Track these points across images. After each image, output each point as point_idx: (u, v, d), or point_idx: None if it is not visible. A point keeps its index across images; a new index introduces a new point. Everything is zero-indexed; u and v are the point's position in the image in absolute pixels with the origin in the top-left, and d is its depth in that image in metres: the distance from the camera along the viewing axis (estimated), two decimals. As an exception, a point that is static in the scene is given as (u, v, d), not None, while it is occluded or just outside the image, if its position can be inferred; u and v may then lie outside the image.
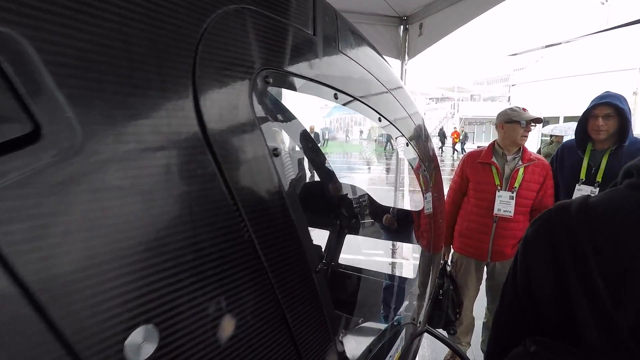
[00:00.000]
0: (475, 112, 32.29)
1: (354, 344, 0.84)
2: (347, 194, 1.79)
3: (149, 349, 0.34)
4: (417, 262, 1.37)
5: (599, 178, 1.91)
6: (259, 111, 0.49)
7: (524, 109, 2.06)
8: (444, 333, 2.11)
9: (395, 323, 1.09)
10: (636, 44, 10.35)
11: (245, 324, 0.45)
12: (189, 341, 0.38)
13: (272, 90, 0.55)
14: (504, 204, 2.00)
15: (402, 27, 3.25)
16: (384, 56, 1.08)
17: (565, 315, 0.45)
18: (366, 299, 1.59)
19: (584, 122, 1.93)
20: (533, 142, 11.96)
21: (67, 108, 0.29)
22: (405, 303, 1.31)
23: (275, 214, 0.50)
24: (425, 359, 2.48)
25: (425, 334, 1.45)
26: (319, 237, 1.86)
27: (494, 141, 2.16)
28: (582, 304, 0.43)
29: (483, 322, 2.35)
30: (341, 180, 1.81)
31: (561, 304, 0.45)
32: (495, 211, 2.01)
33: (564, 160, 2.08)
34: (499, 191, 2.01)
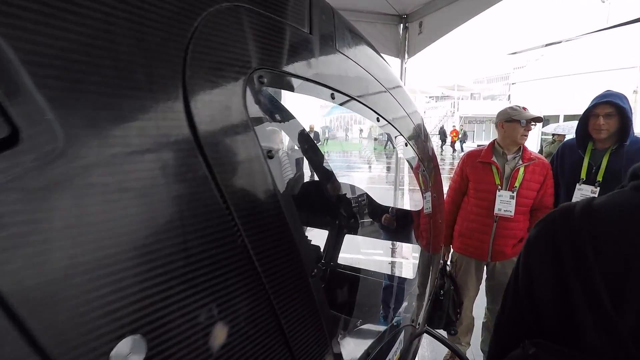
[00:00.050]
0: (475, 111, 32.27)
1: (352, 349, 0.83)
2: (345, 194, 1.78)
3: None
4: (417, 263, 1.36)
5: (599, 177, 1.89)
6: (253, 112, 0.47)
7: (524, 108, 2.04)
8: (444, 333, 2.10)
9: (394, 325, 1.07)
10: (636, 43, 10.32)
11: (238, 332, 0.44)
12: (179, 351, 0.37)
13: (267, 90, 0.53)
14: (505, 203, 1.99)
15: (401, 25, 3.23)
16: (383, 55, 1.06)
17: (566, 316, 0.45)
18: (364, 301, 1.58)
19: (585, 121, 1.92)
20: (533, 142, 11.94)
21: (48, 110, 0.28)
22: (404, 305, 1.30)
23: (269, 218, 0.49)
24: (425, 359, 2.47)
25: (425, 335, 1.44)
26: (318, 237, 1.86)
27: (494, 140, 2.15)
28: (582, 306, 0.43)
29: (483, 322, 2.34)
30: (340, 180, 1.80)
31: (562, 305, 0.45)
32: (496, 211, 2.00)
33: (565, 159, 2.07)
34: (499, 191, 2.00)
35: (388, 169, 12.19)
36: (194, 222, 0.39)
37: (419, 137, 1.19)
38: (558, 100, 12.13)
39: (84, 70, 0.31)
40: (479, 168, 2.08)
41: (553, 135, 7.43)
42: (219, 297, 0.41)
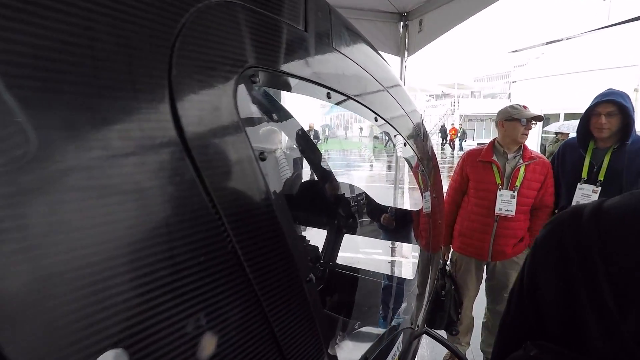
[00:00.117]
0: (476, 109, 32.24)
1: (349, 353, 0.81)
2: (344, 194, 1.76)
3: None
4: (416, 264, 1.34)
5: (600, 177, 1.88)
6: (244, 112, 0.46)
7: (524, 107, 2.02)
8: (443, 333, 2.09)
9: (393, 328, 1.06)
10: (637, 41, 10.28)
11: (228, 343, 0.42)
12: None
13: (260, 89, 0.52)
14: (506, 203, 1.97)
15: (401, 23, 3.21)
16: (383, 53, 1.05)
17: (569, 318, 0.44)
18: (362, 303, 1.56)
19: (586, 119, 1.90)
20: (533, 141, 11.91)
21: (18, 112, 0.26)
22: (403, 307, 1.28)
23: (261, 223, 0.47)
24: (425, 359, 2.46)
25: (425, 335, 1.43)
26: (316, 237, 1.85)
27: (494, 139, 2.13)
28: (586, 308, 0.42)
29: (483, 322, 2.32)
30: (339, 179, 1.78)
31: (565, 307, 0.44)
32: (497, 210, 1.98)
33: (566, 158, 2.05)
34: (500, 190, 1.99)
35: (388, 167, 12.18)
36: (181, 228, 0.37)
37: (418, 136, 1.18)
38: (559, 99, 12.10)
39: (59, 69, 0.29)
40: (480, 167, 2.06)
41: (556, 134, 7.39)
42: (207, 306, 0.40)
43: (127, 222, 0.33)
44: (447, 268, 2.19)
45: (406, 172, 4.30)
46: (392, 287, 1.72)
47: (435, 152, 1.57)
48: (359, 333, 1.15)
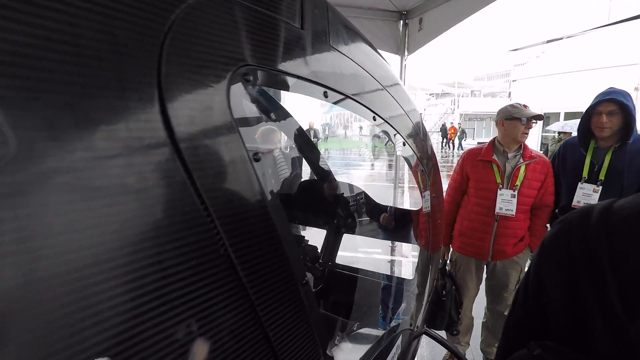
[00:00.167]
0: (476, 108, 32.24)
1: (347, 356, 0.80)
2: (343, 193, 1.75)
3: None
4: (415, 265, 1.33)
5: (601, 176, 1.87)
6: (238, 112, 0.44)
7: (524, 106, 2.01)
8: (443, 333, 2.08)
9: (391, 330, 1.05)
10: (638, 39, 10.25)
11: (221, 348, 0.41)
12: None
13: (254, 88, 0.50)
14: (506, 202, 1.96)
15: (401, 21, 3.19)
16: (383, 52, 1.03)
17: (575, 321, 0.43)
18: (360, 304, 1.55)
19: (587, 118, 1.89)
20: (534, 140, 11.90)
21: None
22: (402, 308, 1.27)
23: (255, 225, 0.46)
24: (424, 359, 2.45)
25: (424, 335, 1.42)
26: (315, 236, 1.83)
27: (494, 138, 2.12)
28: (592, 309, 0.41)
29: (482, 322, 2.32)
30: (338, 178, 1.77)
31: (572, 309, 0.44)
32: (497, 210, 1.97)
33: (566, 158, 2.04)
34: (500, 189, 1.97)
35: (388, 166, 12.16)
36: (171, 232, 0.36)
37: (417, 136, 1.16)
38: (559, 98, 12.07)
39: (41, 67, 0.28)
40: (480, 166, 2.05)
41: (559, 133, 7.37)
42: (199, 312, 0.38)
43: (113, 226, 0.32)
44: (447, 268, 2.18)
45: (406, 172, 4.29)
46: (392, 287, 1.71)
47: (436, 151, 1.55)
48: (357, 335, 1.14)
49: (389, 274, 2.90)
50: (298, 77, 0.57)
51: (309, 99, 0.65)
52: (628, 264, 0.40)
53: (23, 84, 0.27)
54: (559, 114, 12.13)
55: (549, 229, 2.18)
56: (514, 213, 1.96)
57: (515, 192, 1.95)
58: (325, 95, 0.65)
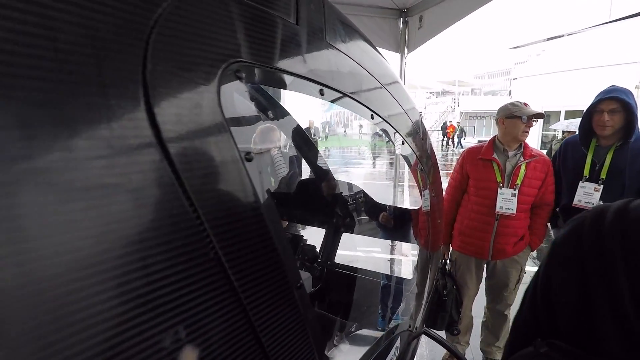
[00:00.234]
0: (476, 106, 32.20)
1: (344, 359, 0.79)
2: (341, 192, 1.74)
3: None
4: (415, 265, 1.32)
5: (603, 175, 1.85)
6: (229, 110, 0.43)
7: (525, 104, 1.99)
8: (442, 333, 2.07)
9: (390, 331, 1.03)
10: (639, 37, 10.21)
11: (210, 356, 0.39)
12: None
13: (247, 85, 0.49)
14: (506, 201, 1.95)
15: (401, 19, 3.17)
16: (383, 49, 1.02)
17: (584, 323, 0.43)
18: (359, 304, 1.54)
19: (589, 117, 1.87)
20: (534, 139, 11.87)
21: None
22: (402, 307, 1.26)
23: (246, 227, 0.44)
24: (424, 358, 2.44)
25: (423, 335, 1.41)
26: (314, 236, 1.82)
27: (494, 136, 2.10)
28: (602, 310, 0.40)
29: (482, 322, 2.31)
30: (337, 177, 1.76)
31: (581, 311, 0.43)
32: (497, 209, 1.96)
33: (567, 156, 2.02)
34: (500, 188, 1.96)
35: (388, 165, 12.15)
36: (157, 235, 0.35)
37: (416, 135, 1.15)
38: (560, 96, 12.04)
39: (13, 62, 0.26)
40: (480, 165, 2.04)
41: (563, 132, 7.35)
42: (187, 319, 0.37)
43: (93, 230, 0.30)
44: (447, 267, 2.17)
45: (406, 170, 4.27)
46: (391, 287, 1.69)
47: (436, 150, 1.54)
48: (355, 337, 1.13)
49: (388, 273, 2.89)
50: (293, 74, 0.56)
51: (307, 96, 0.64)
52: None
53: None
54: (559, 112, 12.10)
55: (549, 227, 2.18)
56: (514, 212, 1.94)
57: (516, 191, 1.94)
58: (322, 93, 0.63)
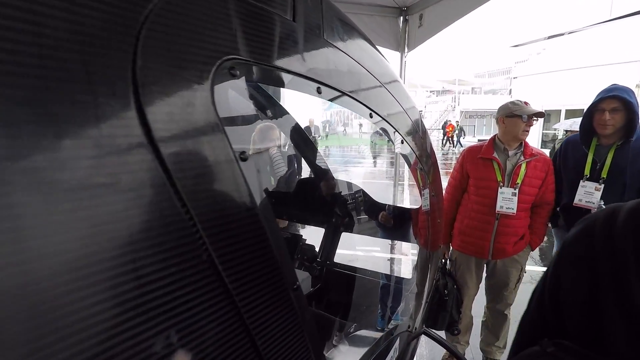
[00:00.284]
0: (477, 105, 32.18)
1: (342, 361, 0.78)
2: (341, 191, 1.73)
3: None
4: (414, 265, 1.31)
5: (603, 174, 1.84)
6: (223, 108, 0.42)
7: (525, 103, 1.98)
8: (442, 333, 2.06)
9: (389, 332, 1.03)
10: (640, 36, 10.18)
11: None
12: None
13: (242, 83, 0.48)
14: (507, 200, 1.94)
15: (401, 18, 3.15)
16: (383, 48, 1.01)
17: (593, 323, 0.42)
18: (358, 304, 1.53)
19: (590, 116, 1.86)
20: (534, 138, 11.85)
21: None
22: (401, 308, 1.25)
23: (241, 229, 0.43)
24: (423, 358, 2.43)
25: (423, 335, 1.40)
26: (314, 235, 1.81)
27: (495, 135, 2.09)
28: (613, 314, 0.40)
29: (482, 321, 2.30)
30: (336, 176, 1.75)
31: (590, 311, 0.43)
32: (498, 208, 1.95)
33: (568, 155, 2.01)
34: (501, 187, 1.95)
35: (388, 164, 12.14)
36: (148, 237, 0.34)
37: (416, 134, 1.14)
38: (560, 95, 12.01)
39: None
40: (480, 164, 2.02)
41: (566, 131, 7.33)
42: (180, 322, 0.36)
43: (82, 231, 0.29)
44: (447, 267, 2.16)
45: (406, 169, 4.26)
46: (390, 287, 1.69)
47: (436, 149, 1.53)
48: (353, 338, 1.12)
49: (387, 273, 2.88)
50: (289, 72, 0.55)
51: (306, 95, 0.63)
52: None
53: None
54: (560, 111, 12.08)
55: (549, 227, 2.17)
56: (514, 211, 1.93)
57: (516, 191, 1.93)
58: (319, 91, 0.62)
